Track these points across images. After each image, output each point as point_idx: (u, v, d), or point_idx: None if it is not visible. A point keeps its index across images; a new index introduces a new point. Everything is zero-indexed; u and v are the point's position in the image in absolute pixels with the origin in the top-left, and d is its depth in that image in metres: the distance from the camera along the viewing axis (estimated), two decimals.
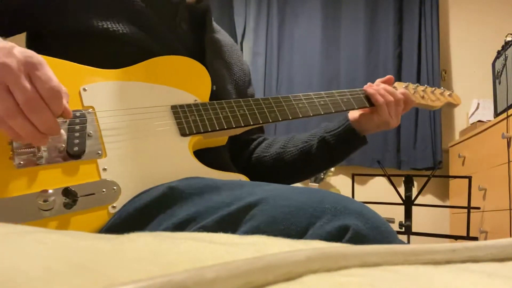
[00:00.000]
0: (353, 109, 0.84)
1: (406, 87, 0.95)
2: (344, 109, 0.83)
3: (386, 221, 0.47)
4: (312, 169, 0.89)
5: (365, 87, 0.88)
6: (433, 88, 0.99)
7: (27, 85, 0.50)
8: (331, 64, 2.76)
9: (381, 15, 2.78)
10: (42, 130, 0.52)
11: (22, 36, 0.75)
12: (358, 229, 0.43)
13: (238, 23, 2.81)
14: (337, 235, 0.43)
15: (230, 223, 0.49)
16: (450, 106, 1.03)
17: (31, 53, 0.52)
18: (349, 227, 0.43)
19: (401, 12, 2.79)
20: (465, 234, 1.70)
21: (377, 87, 0.87)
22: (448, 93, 1.01)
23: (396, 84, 0.95)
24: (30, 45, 0.75)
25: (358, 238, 0.43)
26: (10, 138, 0.56)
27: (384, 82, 0.91)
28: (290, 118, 0.76)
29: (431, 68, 2.67)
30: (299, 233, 0.45)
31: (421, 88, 0.97)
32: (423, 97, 0.96)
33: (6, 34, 0.71)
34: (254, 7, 2.82)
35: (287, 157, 0.88)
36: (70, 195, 0.54)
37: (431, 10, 2.74)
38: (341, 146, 0.86)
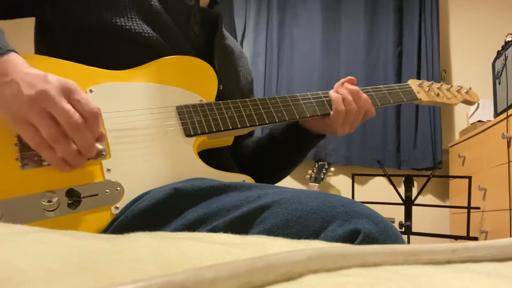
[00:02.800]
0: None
1: (420, 84, 0.92)
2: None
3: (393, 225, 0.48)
4: (270, 162, 0.88)
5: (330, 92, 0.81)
6: (449, 86, 0.97)
7: (69, 107, 0.53)
8: (331, 64, 2.76)
9: (381, 15, 2.78)
10: (83, 149, 0.55)
11: (31, 23, 0.74)
12: (369, 232, 0.44)
13: (238, 23, 2.81)
14: (348, 238, 0.44)
15: (241, 225, 0.50)
16: (467, 103, 1.00)
17: (65, 79, 0.55)
18: (360, 230, 0.44)
19: (401, 12, 2.79)
20: (465, 234, 1.70)
21: (343, 90, 0.79)
22: (465, 90, 0.98)
23: (410, 81, 0.93)
24: (38, 35, 0.74)
25: (369, 241, 0.44)
26: (15, 141, 0.56)
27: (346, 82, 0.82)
28: (298, 118, 0.75)
29: (431, 68, 2.67)
30: (311, 236, 0.46)
31: (436, 85, 0.94)
32: (438, 95, 0.94)
33: (10, 17, 0.71)
34: (254, 7, 2.82)
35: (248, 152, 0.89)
36: (74, 196, 0.55)
37: (431, 10, 2.74)
38: (288, 139, 0.84)
